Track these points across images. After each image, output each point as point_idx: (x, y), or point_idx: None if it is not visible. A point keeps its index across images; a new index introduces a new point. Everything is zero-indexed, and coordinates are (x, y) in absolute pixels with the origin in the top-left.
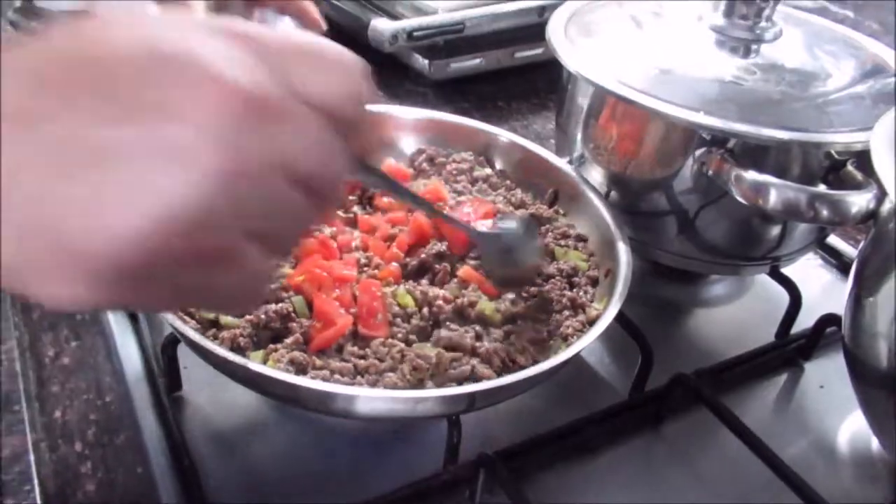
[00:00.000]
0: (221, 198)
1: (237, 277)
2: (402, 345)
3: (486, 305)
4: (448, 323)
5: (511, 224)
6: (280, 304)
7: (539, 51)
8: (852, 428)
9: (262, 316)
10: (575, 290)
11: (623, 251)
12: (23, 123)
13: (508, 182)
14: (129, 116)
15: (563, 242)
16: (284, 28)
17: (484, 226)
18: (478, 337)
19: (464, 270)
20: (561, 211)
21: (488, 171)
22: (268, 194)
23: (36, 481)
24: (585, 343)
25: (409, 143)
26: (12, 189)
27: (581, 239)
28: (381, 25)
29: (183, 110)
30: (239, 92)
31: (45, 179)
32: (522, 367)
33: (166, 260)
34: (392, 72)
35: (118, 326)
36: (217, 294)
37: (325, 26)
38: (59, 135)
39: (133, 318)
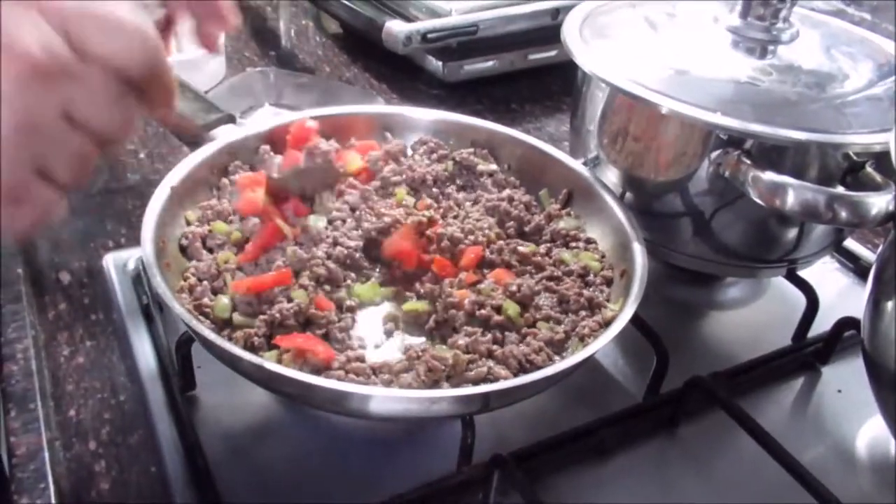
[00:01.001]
0: (11, 149)
1: (30, 210)
2: (418, 346)
3: (510, 306)
4: (465, 327)
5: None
6: (291, 303)
7: (552, 53)
8: (871, 433)
9: (277, 315)
10: (591, 289)
11: (638, 252)
12: None
13: (513, 178)
14: None
15: (572, 245)
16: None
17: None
18: (495, 341)
19: (494, 274)
20: (573, 213)
21: (493, 166)
22: (52, 138)
23: (50, 479)
24: (601, 344)
25: (414, 140)
26: None
27: (590, 241)
28: (396, 27)
29: None
30: (26, 57)
31: None
32: (539, 368)
33: None
34: (406, 74)
35: (133, 326)
36: (13, 225)
37: (235, 23)
38: None
39: (148, 318)
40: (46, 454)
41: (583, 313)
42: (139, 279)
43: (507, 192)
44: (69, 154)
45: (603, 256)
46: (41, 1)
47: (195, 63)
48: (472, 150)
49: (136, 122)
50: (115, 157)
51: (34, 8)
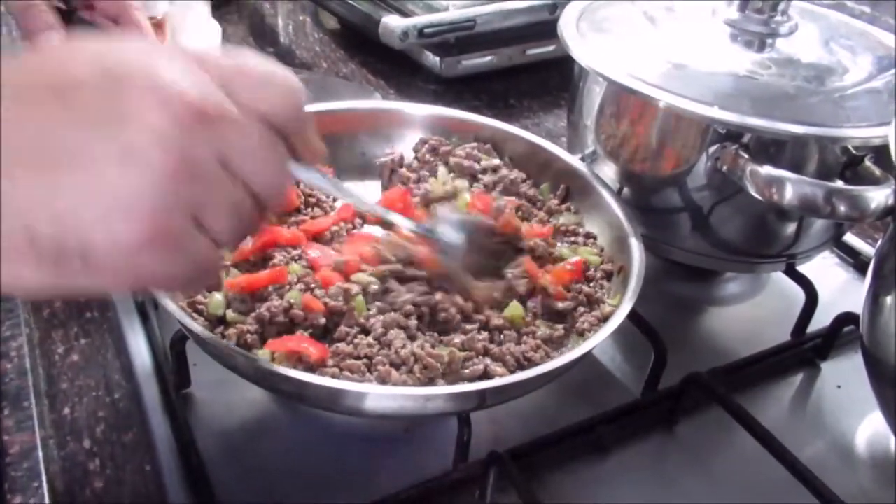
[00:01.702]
0: (165, 188)
1: (182, 261)
2: (414, 345)
3: (515, 308)
4: (464, 324)
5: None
6: (280, 301)
7: (550, 48)
8: (870, 429)
9: (266, 312)
10: (591, 284)
11: (636, 247)
12: None
13: (517, 171)
14: (90, 123)
15: (572, 240)
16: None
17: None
18: (492, 339)
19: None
20: (572, 208)
21: (496, 161)
22: (211, 185)
23: (44, 478)
24: (598, 340)
25: (415, 139)
26: None
27: (590, 236)
28: (392, 22)
29: (136, 116)
30: (185, 99)
31: (8, 172)
32: (537, 365)
33: (107, 243)
34: (403, 69)
35: (128, 324)
36: (164, 276)
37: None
38: (27, 138)
39: (143, 316)
40: (40, 452)
41: (581, 309)
42: None
43: (516, 172)
44: (226, 204)
45: (602, 250)
46: (185, 51)
47: None
48: (475, 144)
49: (290, 178)
50: (273, 219)
51: (193, 60)
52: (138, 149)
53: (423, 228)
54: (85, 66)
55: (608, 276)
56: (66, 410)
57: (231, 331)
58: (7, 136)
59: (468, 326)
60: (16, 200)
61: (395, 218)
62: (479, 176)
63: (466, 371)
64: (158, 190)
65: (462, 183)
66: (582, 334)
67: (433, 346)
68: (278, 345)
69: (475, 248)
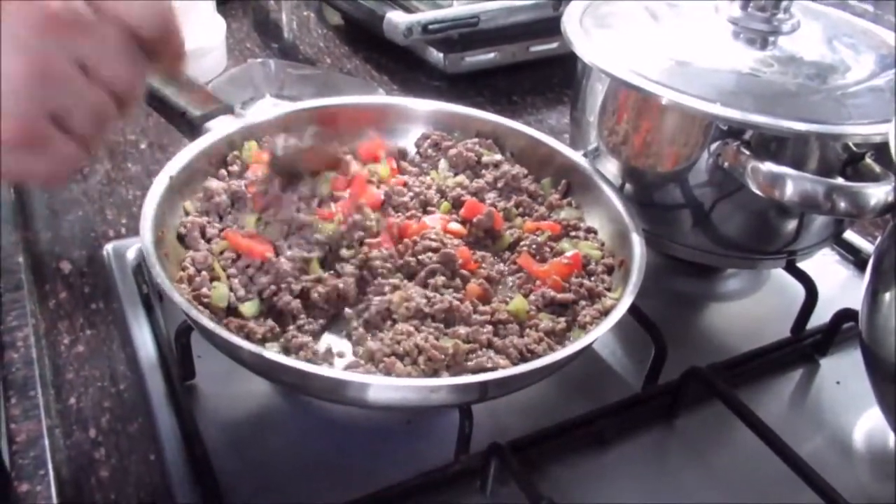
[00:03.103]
0: (25, 92)
1: (47, 158)
2: (419, 337)
3: (520, 302)
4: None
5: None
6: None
7: (554, 45)
8: (869, 424)
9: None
10: (592, 278)
11: (637, 242)
12: None
13: (519, 167)
14: None
15: (573, 234)
16: None
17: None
18: (496, 332)
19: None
20: (573, 203)
21: (498, 156)
22: (68, 88)
23: (50, 466)
24: (598, 333)
25: (418, 134)
26: None
27: (591, 231)
28: (396, 18)
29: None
30: (46, 7)
31: None
32: (539, 358)
33: None
34: (407, 65)
35: (133, 315)
36: (31, 172)
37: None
38: None
39: (148, 308)
40: (46, 441)
41: (583, 302)
42: (139, 269)
43: (518, 168)
44: (85, 105)
45: (603, 244)
46: None
47: (196, 54)
48: (476, 140)
49: (144, 80)
50: (129, 116)
51: None
52: None
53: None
54: None
55: (609, 270)
56: (72, 400)
57: (234, 323)
58: None
59: (474, 318)
60: None
61: None
62: (483, 172)
63: (470, 363)
64: (16, 94)
65: (463, 179)
66: (584, 327)
67: (437, 339)
68: (232, 237)
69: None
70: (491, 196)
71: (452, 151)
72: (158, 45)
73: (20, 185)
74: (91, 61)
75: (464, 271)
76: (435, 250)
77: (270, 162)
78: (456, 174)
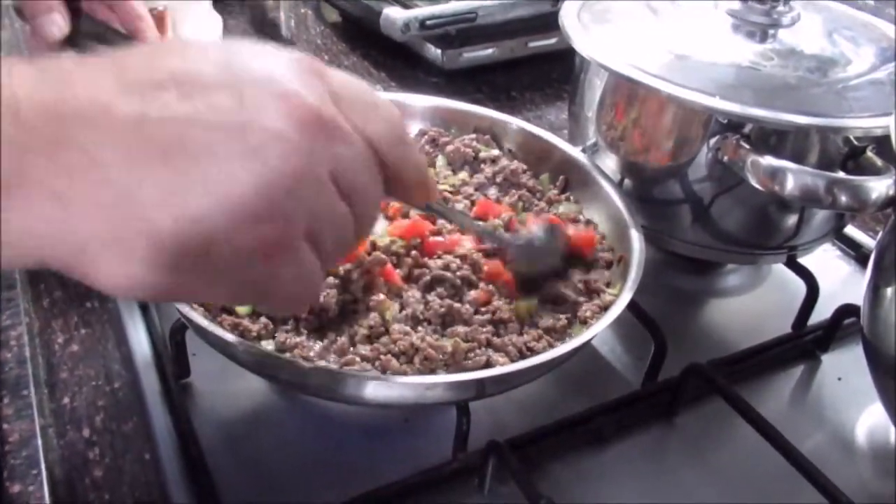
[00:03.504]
0: (287, 194)
1: (293, 274)
2: (415, 337)
3: (523, 305)
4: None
5: (538, 233)
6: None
7: (552, 40)
8: (871, 421)
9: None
10: (592, 271)
11: (636, 237)
12: (110, 116)
13: (517, 162)
14: (215, 119)
15: (572, 228)
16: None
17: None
18: (496, 333)
19: (492, 266)
20: (572, 198)
21: (496, 151)
22: (324, 198)
23: (43, 466)
24: (597, 330)
25: (415, 130)
26: (98, 171)
27: (590, 223)
28: (394, 14)
29: (263, 115)
30: (313, 108)
31: (132, 165)
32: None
33: (229, 246)
34: (405, 62)
35: (127, 313)
36: (273, 290)
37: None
38: (146, 126)
39: (143, 306)
40: (39, 441)
41: (581, 298)
42: None
43: (516, 163)
44: (334, 219)
45: (603, 238)
46: (300, 58)
47: None
48: (474, 136)
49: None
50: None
51: (310, 70)
52: (263, 149)
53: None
54: (207, 62)
55: (608, 264)
56: (66, 399)
57: (227, 319)
58: (125, 129)
59: (475, 318)
60: (139, 192)
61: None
62: (482, 167)
63: (469, 362)
64: (282, 192)
65: (465, 176)
66: (585, 322)
67: (435, 339)
68: None
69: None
70: (492, 192)
71: (450, 148)
72: (398, 167)
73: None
74: (345, 172)
75: (473, 278)
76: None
77: None
78: (454, 171)
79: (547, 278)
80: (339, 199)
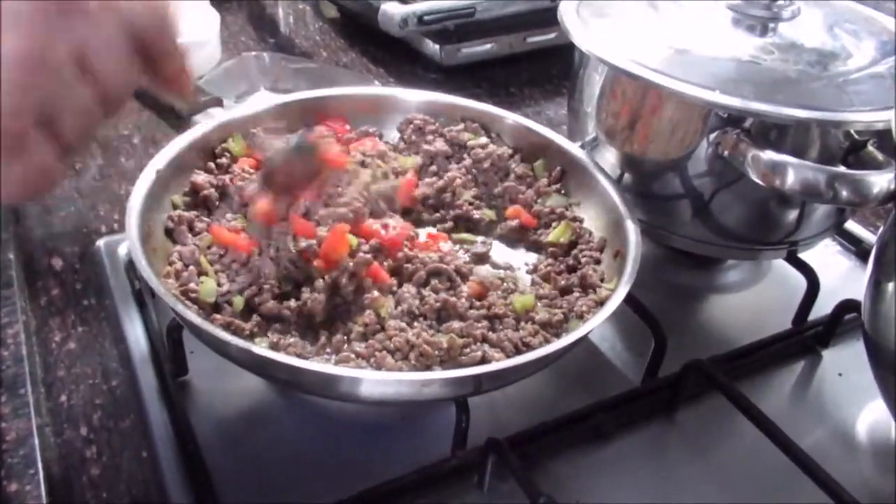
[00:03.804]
0: (19, 80)
1: (23, 166)
2: (411, 333)
3: (525, 299)
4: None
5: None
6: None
7: (551, 36)
8: (872, 416)
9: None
10: (584, 265)
11: (632, 231)
12: None
13: (505, 147)
14: None
15: (556, 224)
16: None
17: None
18: (491, 328)
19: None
20: (563, 191)
21: (484, 139)
22: (60, 82)
23: (40, 465)
24: (594, 324)
25: (401, 119)
26: None
27: (576, 220)
28: (392, 9)
29: None
30: None
31: None
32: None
33: None
34: (403, 58)
35: (125, 311)
36: (10, 181)
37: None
38: None
39: (140, 304)
40: (36, 440)
41: (577, 293)
42: (131, 265)
43: (504, 148)
44: (75, 106)
45: (590, 234)
46: None
47: (190, 47)
48: (462, 126)
49: (135, 83)
50: (110, 122)
51: None
52: None
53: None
54: None
55: (596, 261)
56: (63, 398)
57: (218, 317)
58: None
59: (470, 313)
60: None
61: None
62: (464, 156)
63: (465, 358)
64: (6, 75)
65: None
66: (581, 316)
67: (431, 335)
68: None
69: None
70: (462, 180)
71: (427, 147)
72: (157, 52)
73: None
74: (89, 55)
75: (465, 269)
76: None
77: (263, 176)
78: (429, 166)
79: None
80: (80, 82)
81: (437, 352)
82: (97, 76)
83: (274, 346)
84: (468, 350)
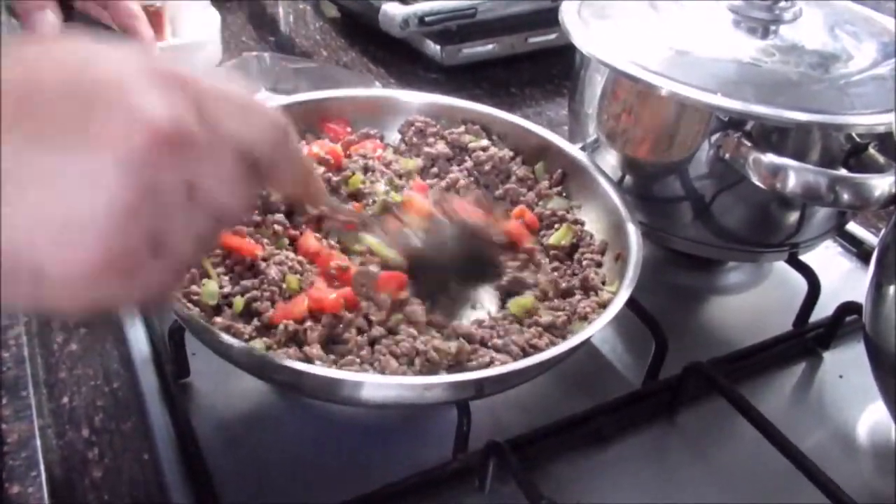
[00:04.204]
0: (127, 217)
1: (142, 285)
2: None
3: (524, 301)
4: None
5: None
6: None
7: (552, 36)
8: (873, 418)
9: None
10: (585, 268)
11: (633, 233)
12: None
13: (507, 150)
14: (53, 139)
15: (557, 227)
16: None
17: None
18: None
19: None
20: (564, 193)
21: (485, 141)
22: (173, 214)
23: (42, 467)
24: (596, 328)
25: (402, 121)
26: None
27: (577, 222)
28: (393, 10)
29: (102, 138)
30: (156, 124)
31: None
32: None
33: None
34: (404, 58)
35: (126, 313)
36: (122, 301)
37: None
38: None
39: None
40: (38, 441)
41: (578, 296)
42: None
43: (505, 151)
44: (188, 231)
45: (591, 237)
46: (178, 74)
47: (190, 48)
48: (462, 128)
49: (252, 206)
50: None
51: (173, 78)
52: (100, 173)
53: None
54: (54, 72)
55: (597, 265)
56: (65, 399)
57: (218, 320)
58: None
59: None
60: None
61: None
62: (465, 158)
63: (472, 363)
64: (116, 217)
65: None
66: (585, 317)
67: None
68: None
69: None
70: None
71: (428, 149)
72: (276, 166)
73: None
74: (201, 185)
75: None
76: None
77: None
78: (430, 168)
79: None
80: (194, 209)
81: (445, 360)
82: (211, 201)
83: (272, 347)
84: (475, 356)
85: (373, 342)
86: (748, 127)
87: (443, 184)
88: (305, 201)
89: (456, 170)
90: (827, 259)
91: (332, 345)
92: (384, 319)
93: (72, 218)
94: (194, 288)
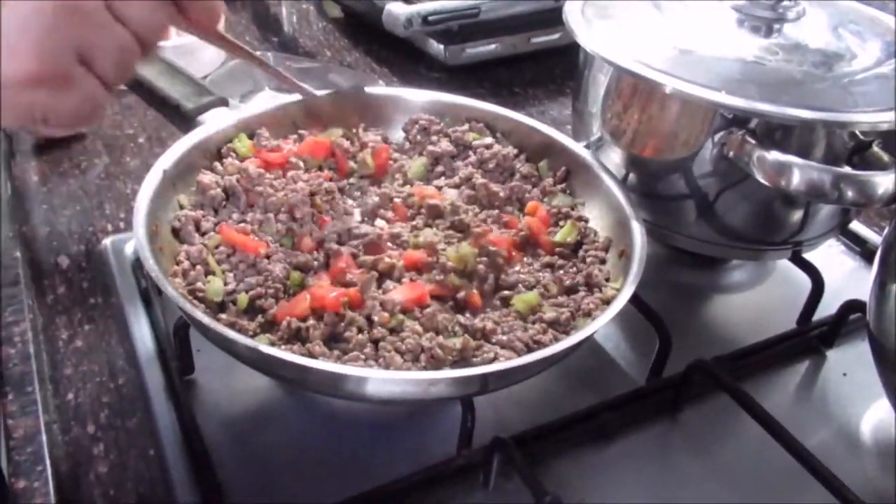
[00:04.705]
0: (54, 25)
1: (75, 96)
2: (424, 338)
3: (529, 297)
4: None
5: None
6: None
7: (556, 36)
8: (876, 416)
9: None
10: (590, 265)
11: (637, 230)
12: None
13: (511, 147)
14: None
15: (561, 224)
16: None
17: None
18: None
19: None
20: (568, 191)
21: (489, 139)
22: (96, 24)
23: (48, 462)
24: (600, 324)
25: (407, 120)
26: None
27: (582, 219)
28: (396, 9)
29: None
30: None
31: None
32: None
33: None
34: (407, 57)
35: (131, 309)
36: (57, 111)
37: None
38: None
39: (146, 302)
40: (44, 437)
41: (582, 292)
42: (138, 263)
43: (510, 148)
44: (111, 45)
45: (595, 234)
46: None
47: (194, 47)
48: (466, 126)
49: (169, 24)
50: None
51: None
52: None
53: None
54: None
55: (601, 261)
56: (70, 396)
57: (223, 317)
58: None
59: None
60: None
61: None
62: (469, 154)
63: (477, 359)
64: (44, 28)
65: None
66: (589, 314)
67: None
68: (226, 232)
69: None
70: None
71: (432, 147)
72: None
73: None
74: (119, 1)
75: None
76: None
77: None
78: (434, 167)
79: None
80: (115, 22)
81: (450, 356)
82: (129, 20)
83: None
84: (479, 352)
85: (375, 341)
86: (752, 125)
87: (455, 179)
88: (204, 26)
89: (463, 165)
90: (830, 257)
91: (334, 342)
92: (386, 320)
93: (8, 30)
94: (199, 285)
